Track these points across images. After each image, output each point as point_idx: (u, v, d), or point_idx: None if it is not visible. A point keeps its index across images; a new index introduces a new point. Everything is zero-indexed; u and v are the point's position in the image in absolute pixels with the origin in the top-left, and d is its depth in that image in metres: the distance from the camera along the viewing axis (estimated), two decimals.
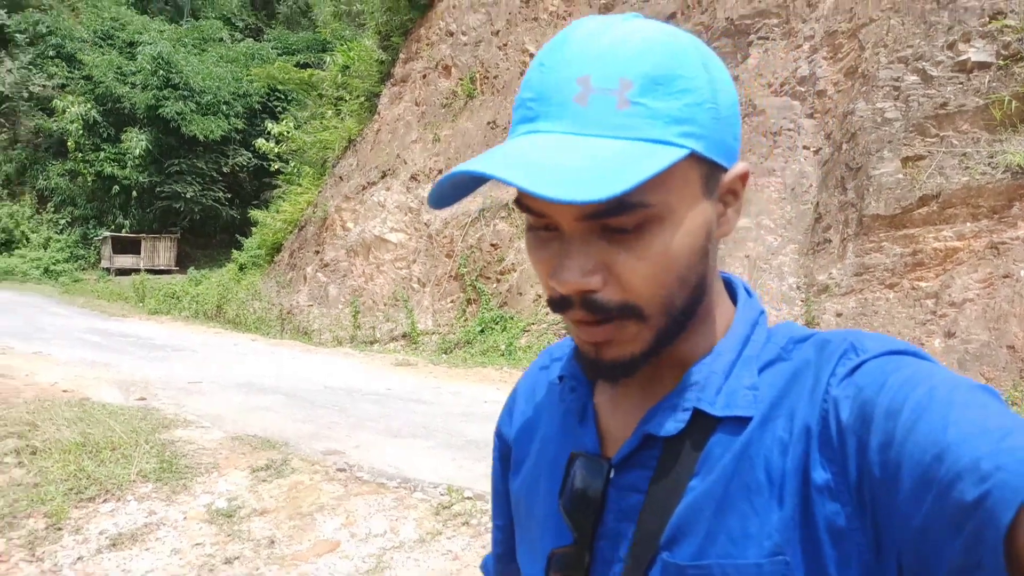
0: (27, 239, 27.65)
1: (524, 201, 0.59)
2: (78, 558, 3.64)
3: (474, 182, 0.58)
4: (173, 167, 27.24)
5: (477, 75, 13.79)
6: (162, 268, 27.85)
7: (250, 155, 26.90)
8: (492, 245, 11.76)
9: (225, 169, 28.25)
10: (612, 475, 0.66)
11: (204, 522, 3.94)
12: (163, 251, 28.72)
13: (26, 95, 27.45)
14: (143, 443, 4.69)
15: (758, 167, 9.42)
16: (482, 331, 10.83)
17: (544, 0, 13.32)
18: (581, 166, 0.52)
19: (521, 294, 10.98)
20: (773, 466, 0.60)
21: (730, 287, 0.73)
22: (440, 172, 13.40)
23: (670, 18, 11.52)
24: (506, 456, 0.85)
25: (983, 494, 0.44)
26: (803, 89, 9.44)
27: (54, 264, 27.02)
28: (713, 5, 10.71)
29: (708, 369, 0.65)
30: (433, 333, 11.69)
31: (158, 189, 27.57)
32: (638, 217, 0.57)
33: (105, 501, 4.10)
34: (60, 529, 3.86)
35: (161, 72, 26.12)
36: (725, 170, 0.63)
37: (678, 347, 0.67)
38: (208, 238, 30.01)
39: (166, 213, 28.68)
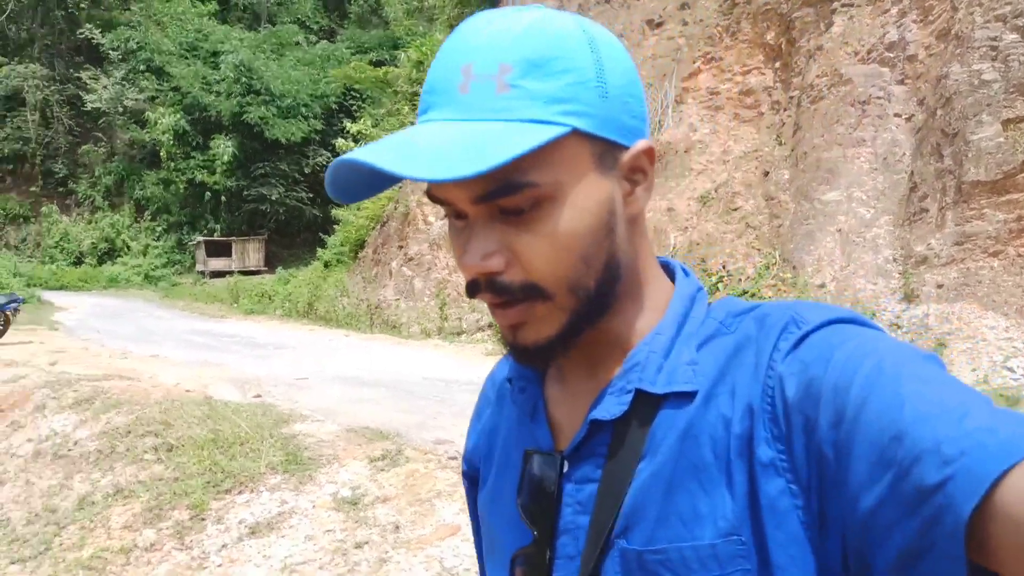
0: (128, 247, 29.25)
1: (431, 192, 0.61)
2: (223, 546, 3.94)
3: (381, 175, 0.59)
4: (258, 170, 28.30)
5: None
6: (252, 269, 29.00)
7: (329, 155, 27.66)
8: None
9: (306, 170, 29.14)
10: (566, 468, 0.66)
11: (332, 510, 4.19)
12: (252, 252, 29.91)
13: (121, 109, 28.93)
14: (268, 437, 5.00)
15: (847, 138, 9.18)
16: None
17: None
18: (454, 148, 0.54)
19: None
20: (718, 443, 0.59)
21: (668, 269, 0.73)
22: None
23: None
24: (475, 481, 0.84)
25: (945, 479, 0.44)
26: (892, 55, 9.13)
27: (153, 270, 28.53)
28: None
29: (648, 349, 0.65)
30: None
31: (245, 192, 28.72)
32: (529, 197, 0.57)
33: (240, 492, 4.41)
34: (203, 519, 4.18)
35: (243, 79, 27.14)
36: (624, 148, 0.62)
37: (612, 330, 0.67)
38: (293, 237, 31.09)
39: (253, 215, 29.86)
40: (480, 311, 12.53)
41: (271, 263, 29.24)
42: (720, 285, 9.56)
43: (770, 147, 10.46)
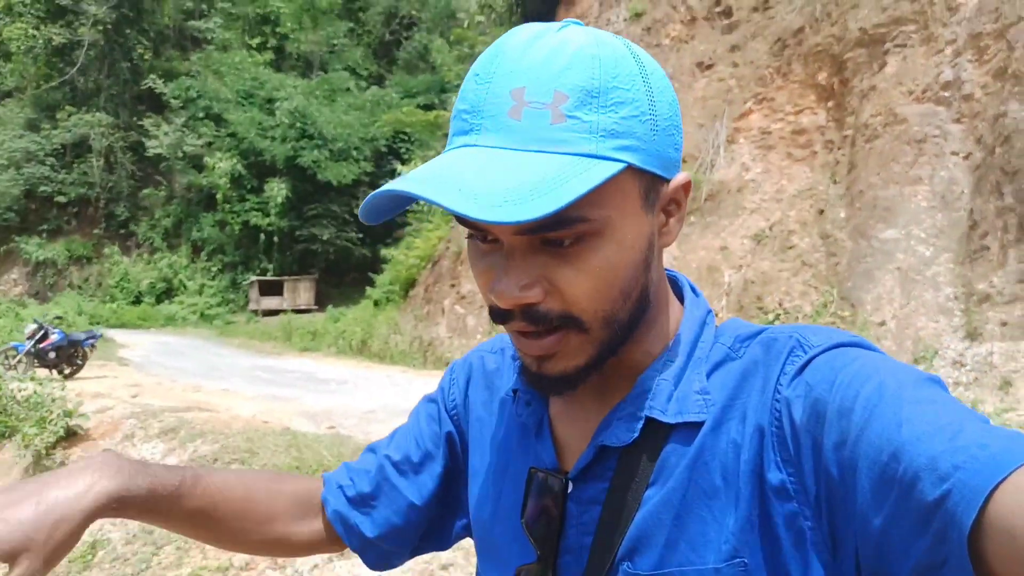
0: (184, 287, 30.12)
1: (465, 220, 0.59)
2: (314, 566, 4.12)
3: (409, 198, 0.57)
4: (310, 211, 29.09)
5: None
6: (303, 307, 29.59)
7: None
8: None
9: (356, 211, 29.71)
10: (571, 489, 0.66)
11: None
12: (303, 291, 30.56)
13: (180, 155, 30.07)
14: None
15: (903, 176, 9.22)
16: None
17: (666, 27, 13.55)
18: (513, 185, 0.51)
19: None
20: (728, 468, 0.60)
21: (676, 285, 0.72)
22: None
23: (797, 32, 11.49)
24: (460, 429, 0.84)
25: (944, 494, 0.45)
26: (947, 94, 9.20)
27: (208, 309, 29.29)
28: (844, 17, 10.61)
29: (658, 376, 0.65)
30: None
31: (297, 233, 29.49)
32: (576, 231, 0.56)
33: None
34: None
35: (298, 124, 28.10)
36: (666, 181, 0.62)
37: (628, 355, 0.66)
38: (342, 277, 31.71)
39: (305, 255, 30.60)
40: None
41: (321, 302, 29.81)
42: (777, 323, 9.60)
43: (825, 185, 10.53)
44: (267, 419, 6.97)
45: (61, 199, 30.00)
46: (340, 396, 9.25)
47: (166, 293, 29.97)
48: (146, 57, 31.81)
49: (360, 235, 30.00)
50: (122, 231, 31.26)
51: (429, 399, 0.89)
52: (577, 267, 0.57)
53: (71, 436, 6.33)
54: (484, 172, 0.53)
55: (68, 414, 6.36)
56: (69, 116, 29.76)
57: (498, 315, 0.61)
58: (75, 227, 31.05)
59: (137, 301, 29.29)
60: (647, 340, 0.67)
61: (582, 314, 0.59)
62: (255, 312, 29.39)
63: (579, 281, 0.58)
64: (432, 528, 0.86)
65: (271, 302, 29.60)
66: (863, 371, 0.54)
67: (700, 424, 0.62)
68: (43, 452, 6.13)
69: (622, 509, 0.63)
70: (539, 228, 0.56)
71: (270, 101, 30.28)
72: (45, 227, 30.39)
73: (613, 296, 0.59)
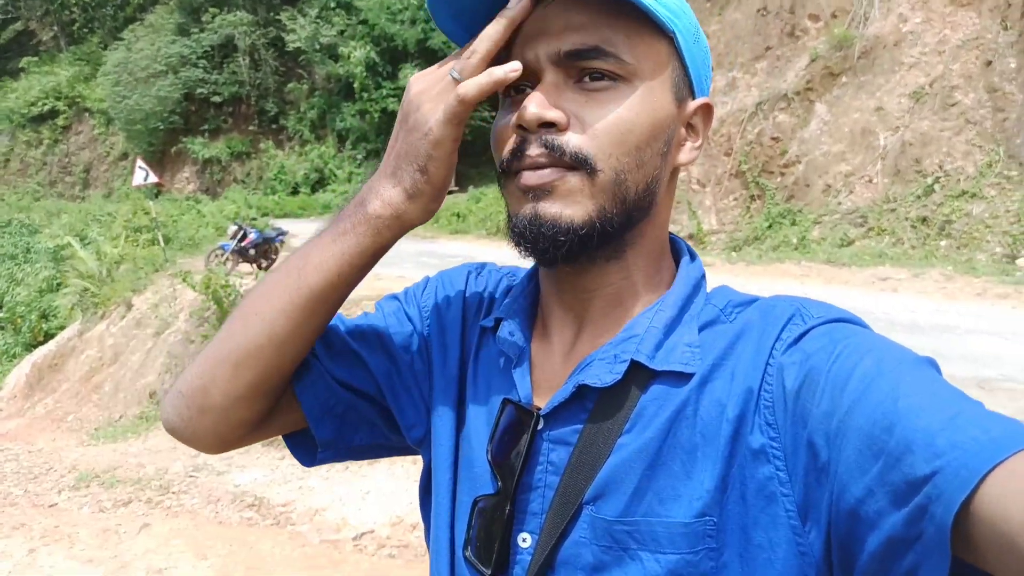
0: (335, 175, 31.85)
1: (510, 53, 0.64)
2: None
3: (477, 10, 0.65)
4: None
5: None
6: None
7: None
8: (773, 139, 11.80)
9: None
10: (541, 426, 0.65)
11: None
12: None
13: (317, 46, 31.05)
14: None
15: None
16: (770, 226, 11.09)
17: None
18: None
19: (808, 186, 11.02)
20: (709, 427, 0.59)
21: (675, 247, 0.72)
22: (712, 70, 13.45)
23: None
24: (424, 337, 0.79)
25: (935, 470, 0.44)
26: None
27: None
28: None
29: (648, 323, 0.64)
30: (719, 232, 12.16)
31: None
32: (611, 67, 0.60)
33: None
34: None
35: (426, 6, 28.17)
36: (693, 96, 0.66)
37: (615, 283, 0.66)
38: (478, 156, 32.21)
39: None
40: (678, 223, 12.90)
41: (461, 182, 30.73)
42: (936, 186, 9.37)
43: (993, 33, 9.82)
44: None
45: (216, 99, 32.02)
46: None
47: (319, 183, 31.82)
48: None
49: (493, 114, 30.12)
50: (273, 126, 33.12)
51: (392, 297, 0.84)
52: (604, 105, 0.60)
53: None
54: None
55: None
56: (213, 18, 31.22)
57: (513, 155, 0.62)
58: (232, 125, 33.20)
59: (295, 192, 31.34)
60: (638, 278, 0.67)
61: (597, 152, 0.60)
62: None
63: (602, 115, 0.60)
64: (377, 414, 0.80)
65: None
66: (862, 346, 0.55)
67: (686, 376, 0.61)
68: None
69: (594, 452, 0.62)
70: (581, 54, 0.60)
71: None
72: (206, 127, 32.71)
73: (628, 148, 0.61)
